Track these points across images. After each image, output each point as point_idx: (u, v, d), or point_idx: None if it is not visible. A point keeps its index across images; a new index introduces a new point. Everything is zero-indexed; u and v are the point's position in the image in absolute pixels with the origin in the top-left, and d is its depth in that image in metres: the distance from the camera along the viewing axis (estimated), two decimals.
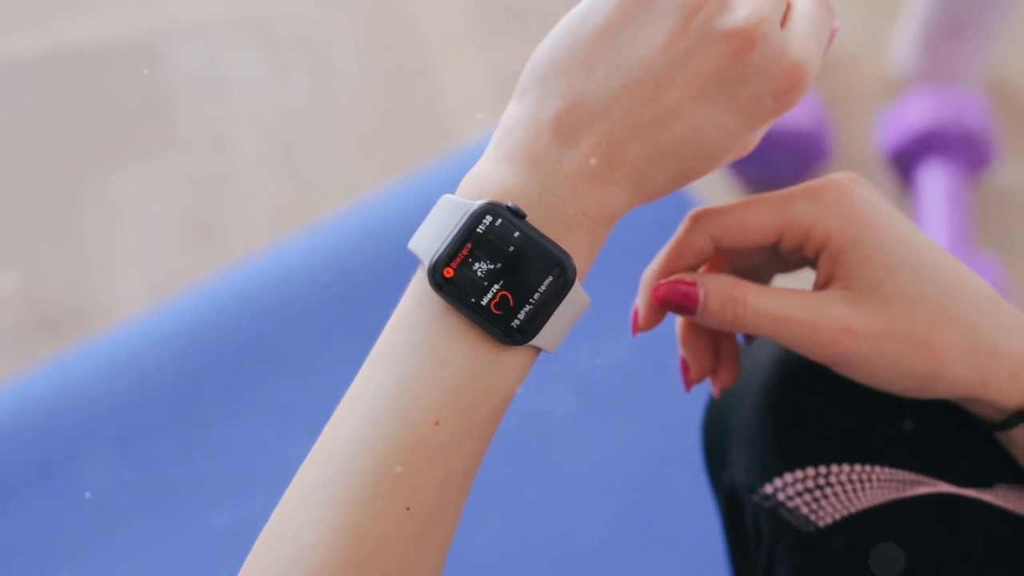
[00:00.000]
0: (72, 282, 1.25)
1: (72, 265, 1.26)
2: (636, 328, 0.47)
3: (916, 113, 1.23)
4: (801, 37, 0.41)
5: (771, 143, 1.16)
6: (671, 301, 0.45)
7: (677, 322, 0.49)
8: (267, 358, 0.81)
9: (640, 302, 0.47)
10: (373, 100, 1.38)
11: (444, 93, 1.38)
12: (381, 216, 0.88)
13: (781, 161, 1.22)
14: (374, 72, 1.41)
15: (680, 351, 0.49)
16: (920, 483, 0.48)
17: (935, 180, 1.21)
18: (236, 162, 1.33)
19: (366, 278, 0.84)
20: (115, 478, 0.77)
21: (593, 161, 0.40)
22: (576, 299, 0.41)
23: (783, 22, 0.41)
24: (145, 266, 1.26)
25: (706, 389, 0.52)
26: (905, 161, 1.25)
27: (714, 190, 1.23)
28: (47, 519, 0.76)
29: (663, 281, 0.45)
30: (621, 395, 0.79)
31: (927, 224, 1.18)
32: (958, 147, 1.21)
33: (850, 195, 0.44)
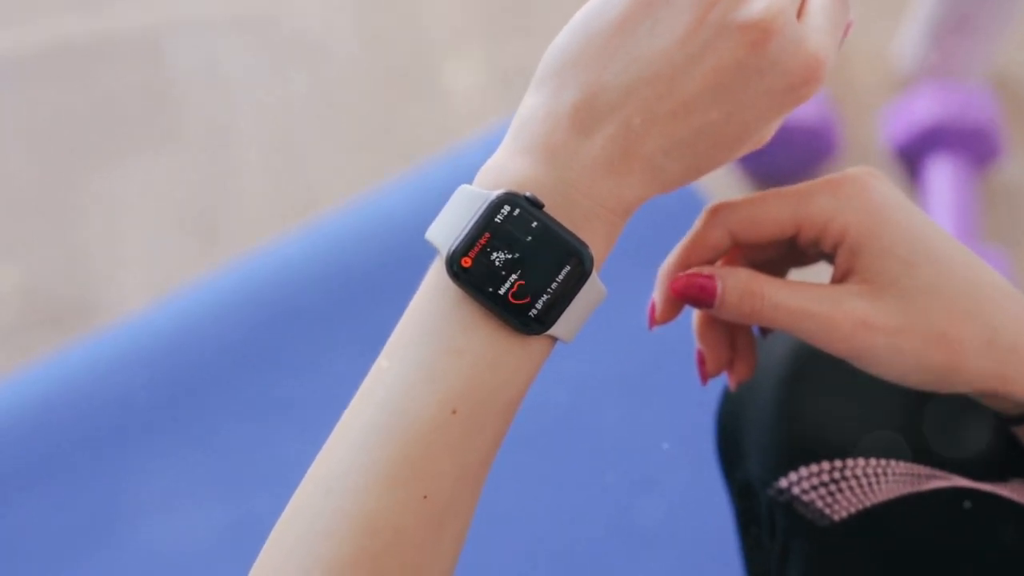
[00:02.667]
0: (73, 277, 1.25)
1: (73, 260, 1.26)
2: (653, 321, 0.47)
3: (923, 108, 1.23)
4: (817, 30, 0.41)
5: (778, 138, 1.14)
6: (689, 294, 0.45)
7: (694, 315, 0.49)
8: (268, 354, 0.81)
9: (657, 295, 0.47)
10: (375, 95, 1.38)
11: (446, 88, 1.38)
12: (383, 212, 0.88)
13: (788, 156, 1.22)
14: (376, 67, 1.40)
15: (697, 344, 0.49)
16: (935, 477, 0.48)
17: (942, 175, 1.21)
18: (237, 157, 1.33)
19: (368, 274, 0.84)
20: (115, 474, 0.77)
21: (610, 152, 0.40)
22: (593, 289, 0.41)
23: (799, 15, 0.41)
24: (146, 261, 1.26)
25: (720, 384, 0.52)
26: (912, 156, 1.25)
27: (722, 185, 1.24)
28: (47, 515, 0.75)
29: (681, 274, 0.45)
30: (634, 388, 0.79)
31: (934, 219, 1.18)
32: (964, 142, 1.21)
33: (868, 189, 0.44)
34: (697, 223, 0.46)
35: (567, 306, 0.40)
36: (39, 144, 1.35)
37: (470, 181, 0.42)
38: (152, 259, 1.27)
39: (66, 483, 0.76)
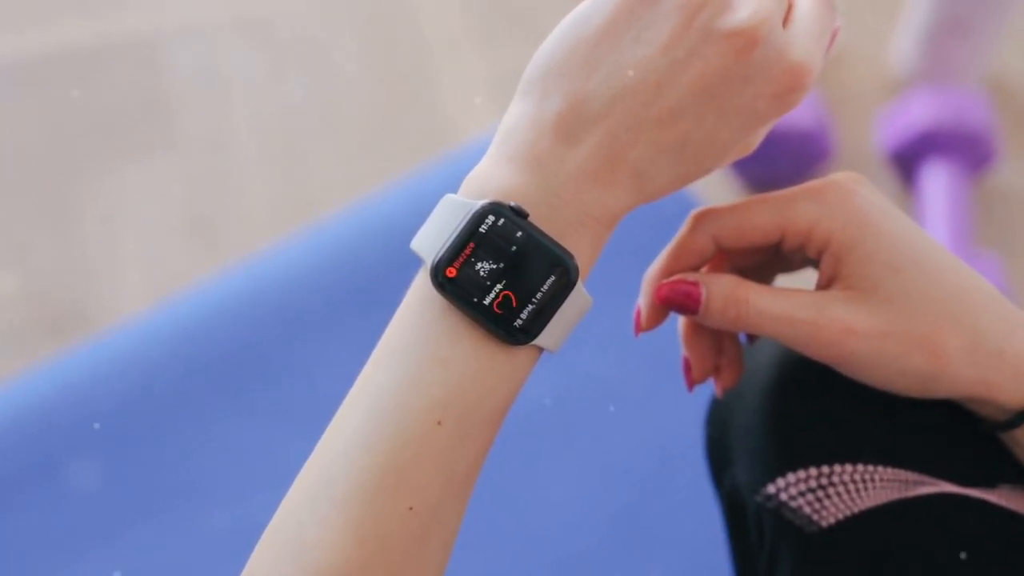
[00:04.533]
0: (73, 281, 1.25)
1: (73, 264, 1.26)
2: (638, 328, 0.48)
3: (917, 112, 1.23)
4: (803, 37, 0.41)
5: (772, 143, 1.15)
6: (673, 301, 0.45)
7: (680, 322, 0.49)
8: (267, 358, 0.81)
9: (642, 302, 0.47)
10: (373, 100, 1.38)
11: (444, 93, 1.38)
12: (381, 216, 0.88)
13: (782, 161, 1.22)
14: (374, 72, 1.41)
15: (682, 351, 0.49)
16: (923, 483, 0.48)
17: (936, 180, 1.21)
18: (236, 162, 1.33)
19: (366, 278, 0.84)
20: (115, 477, 0.77)
21: (595, 162, 0.40)
22: (578, 299, 0.41)
23: (785, 22, 0.41)
24: (146, 265, 1.26)
25: (708, 389, 0.52)
26: (906, 160, 1.25)
27: (715, 190, 1.24)
28: (47, 518, 0.76)
29: (665, 281, 0.46)
30: (622, 395, 0.79)
31: (928, 224, 1.18)
32: (959, 146, 1.21)
33: (852, 195, 0.44)
34: (682, 229, 0.46)
35: (553, 316, 0.40)
36: (39, 148, 1.35)
37: None
38: (152, 263, 1.27)
39: (66, 486, 0.77)
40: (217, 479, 0.77)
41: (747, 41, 0.39)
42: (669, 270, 0.46)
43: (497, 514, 0.74)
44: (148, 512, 0.76)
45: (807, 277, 0.49)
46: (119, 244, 1.27)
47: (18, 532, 0.75)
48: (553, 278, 0.40)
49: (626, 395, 0.79)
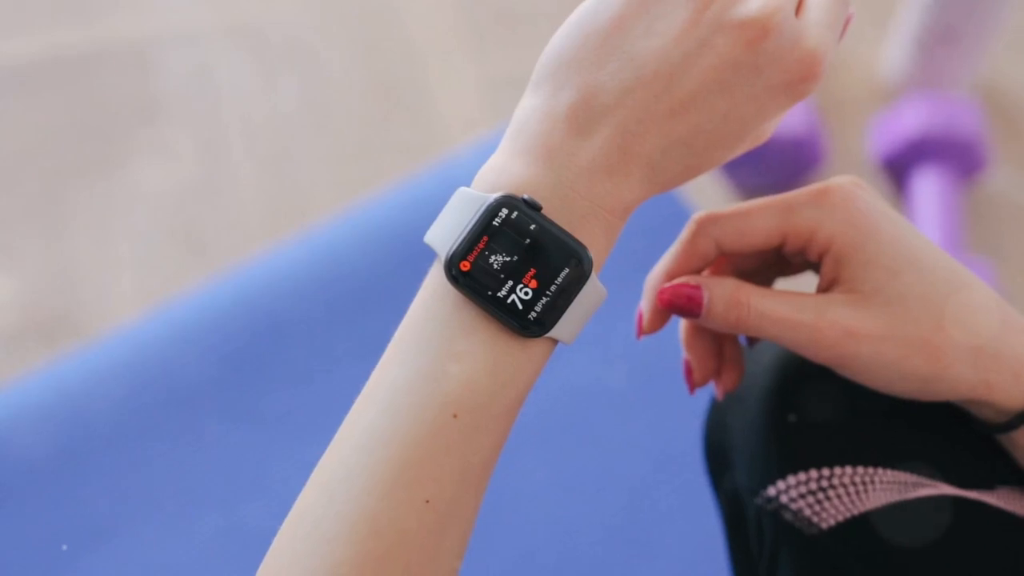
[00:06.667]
0: (63, 288, 1.24)
1: (63, 271, 1.25)
2: (641, 331, 0.48)
3: (909, 119, 1.23)
4: (815, 26, 0.40)
5: (764, 148, 1.16)
6: (676, 304, 0.45)
7: (681, 325, 0.49)
8: (258, 364, 0.81)
9: (644, 305, 0.47)
10: (364, 106, 1.38)
11: (435, 98, 1.38)
12: (373, 221, 0.88)
13: (774, 167, 1.22)
14: (365, 78, 1.41)
15: (684, 354, 0.49)
16: (923, 485, 0.49)
17: (927, 186, 1.21)
18: (227, 168, 1.33)
19: (357, 284, 0.84)
20: (106, 484, 0.76)
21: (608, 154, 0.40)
22: (593, 290, 0.41)
23: (797, 10, 0.41)
24: (137, 272, 1.26)
25: (706, 393, 0.52)
26: (898, 167, 1.25)
27: (706, 195, 1.24)
28: (39, 524, 0.75)
29: (667, 284, 0.46)
30: (623, 397, 0.79)
31: (920, 230, 1.18)
32: (950, 153, 1.22)
33: (853, 199, 0.45)
34: (684, 233, 0.47)
35: (567, 307, 0.40)
36: (29, 155, 1.35)
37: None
38: (143, 270, 1.26)
39: (57, 491, 0.76)
40: (208, 484, 0.77)
41: (759, 31, 0.39)
42: (671, 274, 0.47)
43: (494, 517, 0.74)
44: (139, 517, 0.75)
45: (806, 281, 0.49)
46: (110, 250, 1.27)
47: (10, 538, 0.75)
48: (567, 270, 0.40)
49: (625, 398, 0.79)
